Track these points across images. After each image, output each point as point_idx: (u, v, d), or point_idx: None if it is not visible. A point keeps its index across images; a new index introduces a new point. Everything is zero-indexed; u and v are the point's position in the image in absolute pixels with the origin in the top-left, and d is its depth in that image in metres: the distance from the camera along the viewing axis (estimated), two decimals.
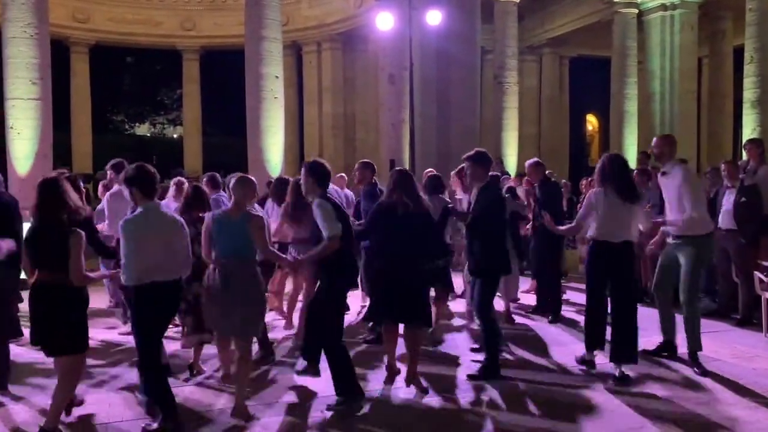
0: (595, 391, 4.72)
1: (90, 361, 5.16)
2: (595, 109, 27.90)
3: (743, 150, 8.83)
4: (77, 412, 4.27)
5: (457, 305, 7.40)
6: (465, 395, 4.68)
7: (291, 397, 4.65)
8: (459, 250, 7.05)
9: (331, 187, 6.18)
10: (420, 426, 4.22)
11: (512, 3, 16.51)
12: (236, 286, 4.25)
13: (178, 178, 7.09)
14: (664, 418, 4.18)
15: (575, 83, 23.55)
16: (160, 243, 3.95)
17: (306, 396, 4.66)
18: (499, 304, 6.18)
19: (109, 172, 6.93)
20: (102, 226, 6.09)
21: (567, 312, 7.06)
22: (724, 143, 18.55)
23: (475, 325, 5.96)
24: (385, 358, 5.02)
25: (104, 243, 5.31)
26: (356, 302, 7.24)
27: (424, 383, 4.77)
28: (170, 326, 4.56)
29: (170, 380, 4.31)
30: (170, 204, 6.05)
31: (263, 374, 5.14)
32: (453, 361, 5.52)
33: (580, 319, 5.67)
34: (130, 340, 5.20)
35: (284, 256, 5.29)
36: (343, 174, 9.90)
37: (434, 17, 12.61)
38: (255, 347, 5.06)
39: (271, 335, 5.84)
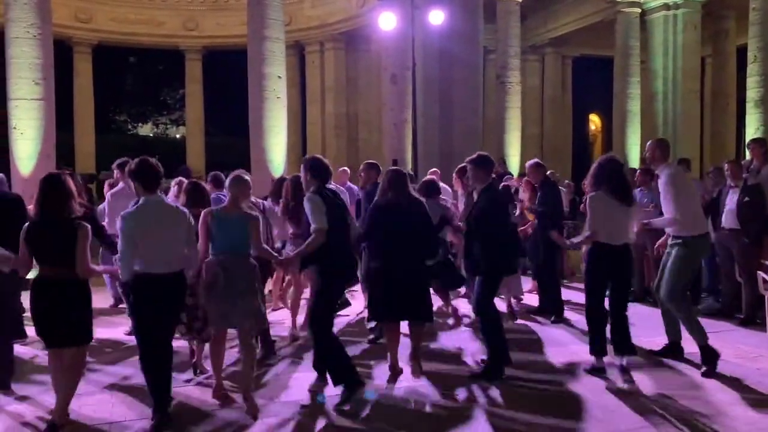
0: (596, 391, 4.70)
1: (90, 361, 5.17)
2: (598, 109, 27.86)
3: (746, 149, 8.82)
4: (80, 411, 4.26)
5: (461, 305, 7.38)
6: (465, 395, 4.68)
7: (293, 396, 4.64)
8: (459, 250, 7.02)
9: (333, 184, 6.19)
10: (420, 426, 4.21)
11: (515, 2, 16.46)
12: (235, 279, 4.29)
13: (179, 177, 7.11)
14: (665, 418, 4.17)
15: (578, 83, 23.51)
16: (160, 235, 3.96)
17: (308, 395, 4.66)
18: (499, 304, 6.16)
19: (115, 171, 6.98)
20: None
21: (569, 313, 7.04)
22: (727, 143, 18.51)
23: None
24: (388, 357, 5.04)
25: (110, 236, 5.32)
26: (359, 303, 7.23)
27: (424, 380, 4.81)
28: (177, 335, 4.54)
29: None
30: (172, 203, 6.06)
31: (265, 373, 5.13)
32: (456, 360, 5.51)
33: (581, 319, 5.66)
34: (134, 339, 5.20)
35: (275, 254, 5.32)
36: (346, 168, 9.80)
37: (437, 17, 12.59)
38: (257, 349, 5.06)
39: (272, 335, 5.84)
